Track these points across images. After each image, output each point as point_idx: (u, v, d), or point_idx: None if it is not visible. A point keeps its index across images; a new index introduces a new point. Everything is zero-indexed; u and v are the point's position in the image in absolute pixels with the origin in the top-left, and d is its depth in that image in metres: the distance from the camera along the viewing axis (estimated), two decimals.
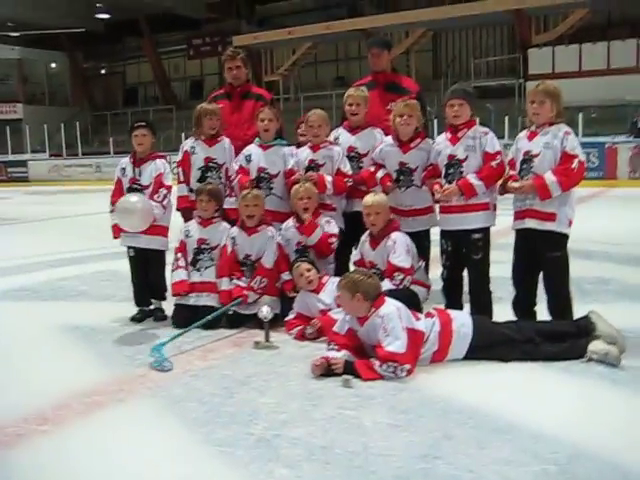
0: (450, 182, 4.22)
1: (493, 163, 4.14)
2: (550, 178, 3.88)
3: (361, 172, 4.83)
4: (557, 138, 3.93)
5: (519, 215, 4.09)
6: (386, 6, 26.12)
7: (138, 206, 4.53)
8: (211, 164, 5.00)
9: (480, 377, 3.52)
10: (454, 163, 4.22)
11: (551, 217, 3.96)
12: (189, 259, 4.78)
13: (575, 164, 3.89)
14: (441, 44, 28.02)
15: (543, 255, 4.02)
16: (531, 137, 4.04)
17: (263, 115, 4.95)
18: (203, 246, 4.76)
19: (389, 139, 4.68)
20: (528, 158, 4.01)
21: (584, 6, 21.57)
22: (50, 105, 34.45)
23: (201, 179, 4.99)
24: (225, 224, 4.84)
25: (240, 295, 4.58)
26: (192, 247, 4.78)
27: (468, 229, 4.22)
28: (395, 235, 4.37)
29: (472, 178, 4.14)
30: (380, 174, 4.65)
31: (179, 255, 4.79)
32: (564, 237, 4.02)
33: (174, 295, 4.76)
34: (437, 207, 4.47)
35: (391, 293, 3.98)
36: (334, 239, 4.68)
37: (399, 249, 4.31)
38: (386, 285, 4.20)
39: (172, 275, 4.77)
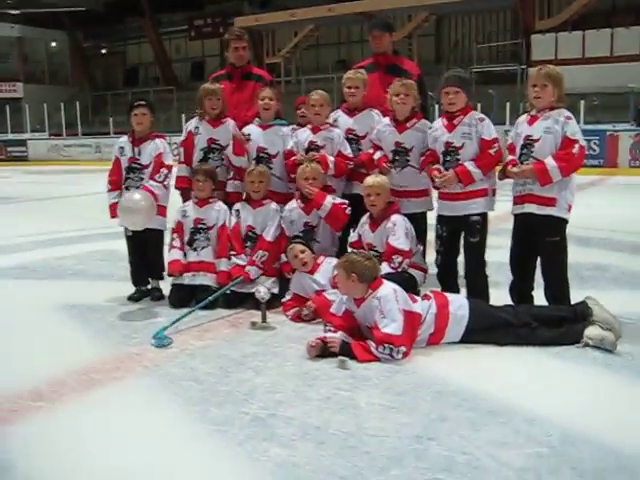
0: (448, 169, 4.21)
1: (491, 150, 4.13)
2: (551, 163, 3.87)
3: (360, 155, 4.81)
4: (558, 123, 3.91)
5: (519, 200, 4.08)
6: None
7: (142, 204, 4.51)
8: (214, 145, 4.97)
9: (476, 360, 3.53)
10: (451, 150, 4.21)
11: (551, 202, 3.95)
12: (186, 239, 4.79)
13: (576, 149, 3.88)
14: (444, 29, 27.85)
15: (542, 240, 4.02)
16: (531, 122, 4.02)
17: (264, 94, 4.94)
18: (199, 226, 4.77)
19: (386, 120, 4.67)
20: (529, 143, 3.99)
21: None
22: (50, 84, 34.25)
23: (203, 160, 4.98)
24: (221, 204, 4.85)
25: (241, 274, 4.59)
26: (189, 227, 4.79)
27: (467, 214, 4.22)
28: (395, 217, 4.36)
29: (469, 165, 4.13)
30: (377, 155, 4.64)
31: (175, 235, 4.81)
32: (563, 222, 4.02)
33: (169, 275, 4.77)
34: (436, 193, 4.45)
35: (389, 276, 3.98)
36: (345, 205, 4.67)
37: (399, 231, 4.31)
38: (384, 269, 4.19)
39: (168, 255, 4.79)
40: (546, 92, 3.94)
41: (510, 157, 4.13)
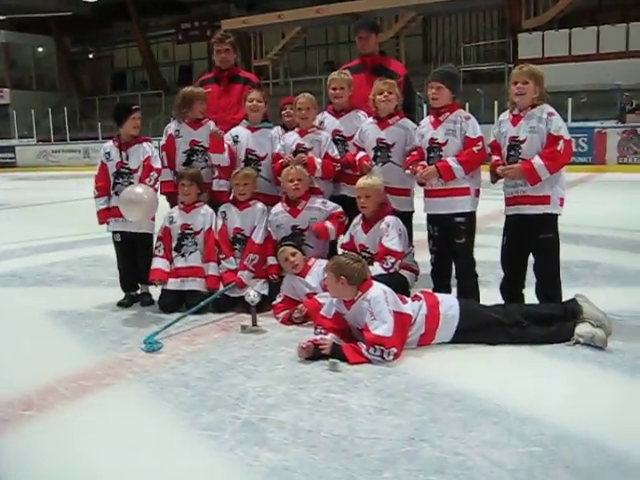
0: (431, 165, 4.21)
1: (474, 148, 4.12)
2: (537, 162, 3.88)
3: (346, 156, 4.80)
4: (542, 121, 3.92)
5: (511, 201, 4.07)
6: None
7: (145, 197, 4.50)
8: (196, 147, 4.96)
9: (467, 360, 3.53)
10: (434, 147, 4.22)
11: (545, 200, 3.96)
12: (173, 245, 4.76)
13: (561, 145, 3.89)
14: (431, 28, 27.91)
15: (536, 237, 4.02)
16: (515, 122, 4.03)
17: (252, 95, 4.94)
18: (186, 231, 4.74)
19: (369, 119, 4.70)
20: (515, 144, 4.00)
21: None
22: (37, 90, 34.09)
23: (186, 162, 4.96)
24: (207, 208, 4.82)
25: (233, 280, 4.57)
26: (176, 233, 4.76)
27: (451, 213, 4.22)
28: (389, 218, 4.36)
29: (451, 161, 4.13)
30: (359, 155, 4.64)
31: (159, 243, 4.77)
32: (556, 217, 4.04)
33: (150, 282, 4.74)
34: (422, 192, 4.44)
35: (380, 278, 3.98)
36: (343, 217, 4.68)
37: (392, 232, 4.31)
38: (377, 270, 4.20)
39: (153, 261, 4.74)
40: (528, 89, 3.95)
41: (495, 157, 4.13)
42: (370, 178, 4.41)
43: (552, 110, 3.97)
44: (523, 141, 3.97)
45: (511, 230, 4.14)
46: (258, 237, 4.70)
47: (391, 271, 4.26)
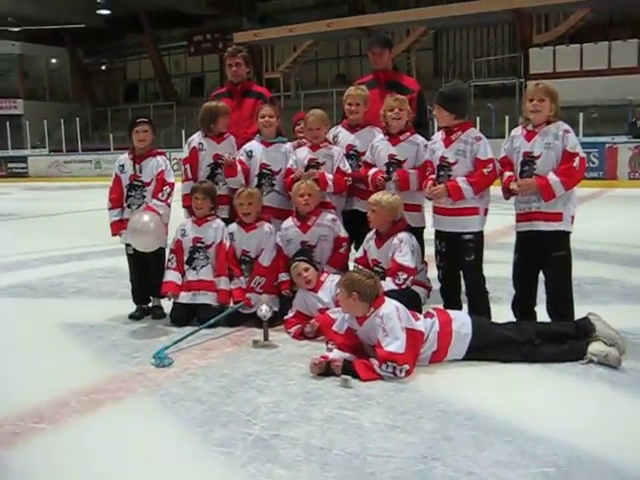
0: (440, 183, 4.21)
1: (485, 170, 4.11)
2: (553, 178, 3.88)
3: (360, 170, 4.81)
4: (558, 138, 3.92)
5: (524, 217, 4.06)
6: (387, 4, 26.04)
7: (151, 226, 4.50)
8: (220, 161, 4.97)
9: (479, 378, 3.51)
10: (444, 165, 4.21)
11: (558, 217, 3.96)
12: (185, 258, 4.76)
13: (576, 163, 3.89)
14: (442, 43, 27.99)
15: (549, 255, 4.01)
16: (529, 137, 4.02)
17: (264, 111, 4.95)
18: (198, 244, 4.74)
19: (380, 135, 4.72)
20: (529, 160, 3.99)
21: (585, 5, 21.51)
22: (50, 101, 34.34)
23: (210, 176, 4.98)
24: (219, 222, 4.82)
25: (242, 299, 4.58)
26: (188, 246, 4.77)
27: (458, 231, 4.21)
28: (402, 234, 4.36)
29: (461, 181, 4.11)
30: (372, 171, 4.65)
31: (171, 256, 4.78)
32: (568, 235, 4.03)
33: (162, 295, 4.76)
34: (431, 208, 4.44)
35: (392, 293, 3.99)
36: (345, 245, 4.71)
37: (405, 248, 4.30)
38: (388, 285, 4.20)
39: (165, 274, 4.77)
40: (544, 106, 3.95)
41: (508, 173, 4.11)
42: (381, 193, 4.40)
43: (568, 127, 3.98)
44: (538, 157, 3.96)
45: (523, 247, 4.13)
46: (265, 260, 4.68)
47: (403, 287, 4.25)
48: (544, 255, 4.02)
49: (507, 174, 4.12)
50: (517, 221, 4.13)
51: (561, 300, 4.06)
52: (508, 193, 4.10)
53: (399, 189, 4.47)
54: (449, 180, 4.16)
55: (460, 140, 4.18)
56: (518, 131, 4.14)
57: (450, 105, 4.20)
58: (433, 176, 4.28)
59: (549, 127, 3.96)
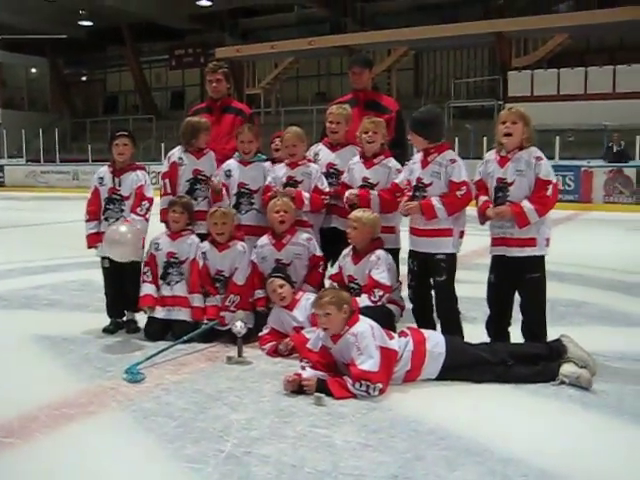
0: None
1: (458, 192, 4.13)
2: (527, 206, 3.92)
3: (338, 189, 4.82)
4: (530, 165, 3.96)
5: (498, 242, 4.10)
6: (369, 24, 26.30)
7: (129, 237, 4.48)
8: (200, 176, 4.97)
9: (452, 398, 3.53)
10: (420, 186, 4.24)
11: (531, 242, 4.00)
12: (159, 272, 4.74)
13: (550, 191, 3.95)
14: (423, 63, 28.27)
15: (522, 277, 4.05)
16: (502, 163, 4.05)
17: (243, 137, 4.94)
18: (172, 260, 4.71)
19: (356, 157, 4.74)
20: (503, 186, 4.03)
21: (563, 31, 21.91)
22: (29, 110, 34.08)
23: (189, 191, 4.96)
24: (194, 237, 4.79)
25: (216, 318, 4.55)
26: (162, 260, 4.74)
27: (429, 252, 4.24)
28: (379, 252, 4.39)
29: (435, 200, 4.13)
30: (347, 193, 4.65)
31: (146, 269, 4.75)
32: (542, 258, 4.07)
33: (139, 309, 4.73)
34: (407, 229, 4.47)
35: (368, 310, 4.01)
36: (321, 265, 4.72)
37: (382, 266, 4.33)
38: (364, 301, 4.23)
39: (141, 288, 4.73)
40: (517, 129, 3.98)
41: (483, 198, 4.15)
42: (361, 211, 4.43)
43: (540, 154, 4.02)
44: (511, 184, 4.00)
45: (497, 269, 4.16)
46: (239, 279, 4.65)
47: (378, 304, 4.27)
48: (518, 277, 4.06)
49: (482, 199, 4.15)
50: (492, 245, 4.17)
51: (535, 321, 4.10)
52: (483, 218, 4.13)
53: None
54: (423, 198, 4.19)
55: (435, 162, 4.21)
56: (492, 156, 4.17)
57: (423, 130, 4.24)
58: (409, 193, 4.31)
59: (521, 153, 4.00)
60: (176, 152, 5.08)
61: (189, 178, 4.99)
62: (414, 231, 4.30)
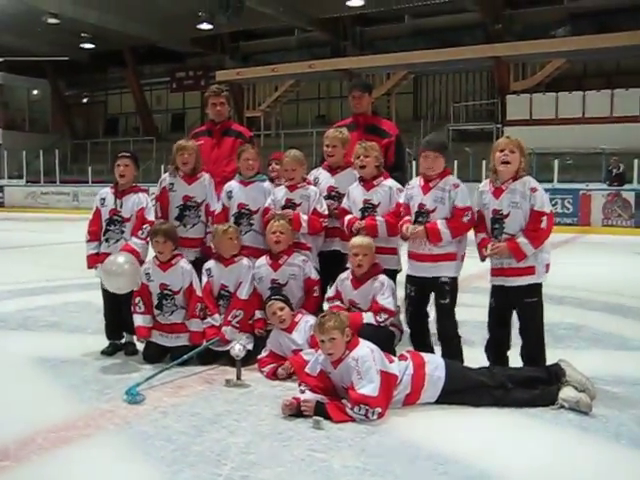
0: None
1: (464, 218, 4.14)
2: (523, 241, 3.94)
3: (338, 212, 4.83)
4: (525, 197, 3.97)
5: (498, 272, 4.10)
6: (369, 47, 26.53)
7: (125, 268, 4.46)
8: (189, 203, 4.94)
9: (452, 422, 3.51)
10: (423, 212, 4.24)
11: (531, 271, 4.01)
12: (154, 302, 4.64)
13: (544, 223, 3.96)
14: (422, 87, 28.46)
15: (521, 301, 4.06)
16: (497, 194, 4.06)
17: (247, 155, 4.94)
18: (165, 292, 4.61)
19: (356, 182, 4.75)
20: (499, 217, 4.05)
21: (561, 56, 22.12)
22: (30, 131, 34.27)
23: (179, 217, 4.94)
24: (184, 264, 4.67)
25: (216, 335, 4.54)
26: (155, 291, 4.64)
27: (432, 276, 4.24)
28: (382, 277, 4.40)
29: (441, 224, 4.14)
30: (347, 217, 4.67)
31: (138, 299, 4.63)
32: (540, 284, 4.08)
33: (137, 340, 4.71)
34: (405, 254, 4.46)
35: (371, 328, 4.05)
36: (316, 287, 4.72)
37: (387, 291, 4.36)
38: (369, 318, 4.25)
39: (134, 318, 4.66)
40: (514, 158, 3.99)
41: (481, 235, 4.14)
42: (366, 237, 4.43)
43: (535, 184, 4.02)
44: (506, 215, 4.01)
45: (497, 296, 4.17)
46: (243, 293, 4.64)
47: (382, 325, 4.30)
48: (517, 301, 4.07)
49: (480, 236, 4.15)
50: (491, 274, 4.17)
51: (533, 344, 4.10)
52: (483, 255, 4.13)
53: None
54: (428, 222, 4.20)
55: (438, 187, 4.22)
56: (486, 187, 4.16)
57: (446, 153, 4.27)
58: (409, 217, 4.31)
59: (516, 184, 4.00)
60: (167, 177, 5.05)
61: (179, 204, 4.95)
62: (415, 256, 4.29)
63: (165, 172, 5.30)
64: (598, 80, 22.84)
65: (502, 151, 4.02)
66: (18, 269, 9.41)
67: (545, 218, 3.97)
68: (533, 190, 3.98)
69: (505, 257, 4.01)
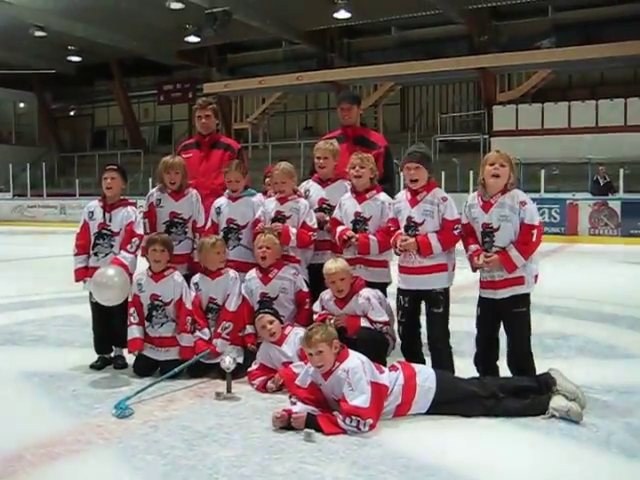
0: None
1: (454, 231, 4.18)
2: (514, 253, 3.97)
3: (329, 225, 4.83)
4: (514, 211, 4.01)
5: (488, 285, 4.11)
6: (355, 59, 26.65)
7: (115, 280, 4.45)
8: (176, 219, 4.93)
9: (443, 433, 3.51)
10: (412, 225, 4.26)
11: (520, 281, 4.04)
12: (145, 313, 4.64)
13: (534, 236, 4.01)
14: (409, 98, 28.57)
15: (509, 311, 4.07)
16: (486, 208, 4.08)
17: (230, 176, 4.95)
18: (156, 302, 4.60)
19: (348, 193, 4.76)
20: (489, 231, 4.07)
21: (547, 67, 22.32)
22: (17, 144, 34.14)
23: (166, 233, 4.88)
24: (177, 276, 4.67)
25: (207, 347, 4.52)
26: (146, 302, 4.63)
27: (424, 289, 4.26)
28: (366, 292, 4.38)
29: (432, 237, 4.17)
30: (339, 229, 4.66)
31: (132, 310, 4.63)
32: (528, 294, 4.10)
33: (129, 352, 4.69)
34: (396, 267, 4.47)
35: (366, 331, 4.12)
36: (307, 300, 4.71)
37: (376, 305, 4.36)
38: (364, 322, 4.29)
39: (128, 330, 4.64)
40: (504, 172, 4.02)
41: (473, 247, 4.15)
42: (336, 261, 4.41)
43: (524, 197, 4.05)
44: (496, 229, 4.04)
45: (485, 307, 4.18)
46: (231, 305, 4.63)
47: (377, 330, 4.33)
48: (505, 311, 4.09)
49: (472, 248, 4.16)
50: (480, 287, 4.18)
51: (520, 354, 4.12)
52: (474, 267, 4.15)
53: (359, 253, 4.52)
54: (419, 235, 4.21)
55: (426, 200, 4.25)
56: (474, 200, 4.18)
57: (429, 164, 4.29)
58: (401, 231, 4.32)
59: (505, 198, 4.03)
60: (155, 193, 5.03)
61: (165, 220, 4.94)
62: (407, 270, 4.30)
63: (153, 186, 5.28)
64: (583, 91, 23.06)
65: (492, 165, 4.04)
66: (4, 283, 9.33)
67: (535, 231, 4.01)
68: (522, 204, 4.01)
69: (496, 269, 4.03)
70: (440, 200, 4.23)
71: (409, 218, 4.28)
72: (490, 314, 4.14)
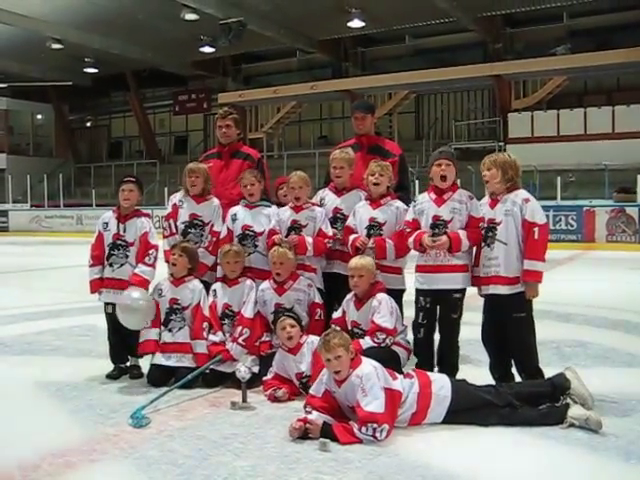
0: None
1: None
2: (528, 264, 4.02)
3: (342, 234, 4.83)
4: (516, 205, 4.10)
5: (485, 281, 4.17)
6: (370, 68, 26.69)
7: (140, 303, 4.51)
8: (195, 221, 5.00)
9: (459, 442, 3.48)
10: (439, 224, 4.28)
11: (517, 281, 4.06)
12: (162, 318, 4.69)
13: (536, 234, 4.03)
14: (423, 106, 28.55)
15: (509, 316, 4.09)
16: (493, 204, 4.21)
17: (245, 181, 4.98)
18: (174, 306, 4.66)
19: (363, 200, 4.78)
20: (492, 226, 4.15)
21: (562, 74, 22.22)
22: (34, 156, 34.45)
23: (183, 233, 4.99)
24: (197, 283, 4.75)
25: (220, 351, 4.53)
26: (164, 307, 4.69)
27: (448, 288, 4.26)
28: (381, 296, 4.38)
29: (462, 234, 4.21)
30: (352, 237, 4.68)
31: None
32: (530, 300, 4.11)
33: (139, 354, 4.71)
34: (413, 269, 4.46)
35: (371, 351, 4.02)
36: (319, 310, 4.70)
37: (383, 310, 4.33)
38: (367, 343, 4.22)
39: (141, 333, 4.68)
40: (492, 175, 4.17)
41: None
42: (363, 258, 4.44)
43: (528, 196, 4.15)
44: (499, 223, 4.13)
45: (488, 311, 4.22)
46: (247, 311, 4.66)
47: (382, 345, 4.26)
48: (505, 316, 4.11)
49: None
50: (480, 284, 4.22)
51: (524, 362, 4.14)
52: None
53: (376, 257, 4.51)
54: (451, 232, 4.24)
55: (454, 199, 4.31)
56: (484, 200, 4.32)
57: (456, 164, 4.40)
58: (424, 229, 4.33)
59: (509, 195, 4.15)
60: (179, 195, 5.15)
61: (185, 221, 5.02)
62: (429, 268, 4.30)
63: (169, 194, 5.35)
64: (598, 97, 22.90)
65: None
66: (22, 293, 9.42)
67: (537, 229, 4.04)
68: (526, 200, 4.11)
69: (494, 261, 4.10)
70: (467, 198, 4.32)
71: (435, 217, 4.30)
72: (493, 317, 4.19)
